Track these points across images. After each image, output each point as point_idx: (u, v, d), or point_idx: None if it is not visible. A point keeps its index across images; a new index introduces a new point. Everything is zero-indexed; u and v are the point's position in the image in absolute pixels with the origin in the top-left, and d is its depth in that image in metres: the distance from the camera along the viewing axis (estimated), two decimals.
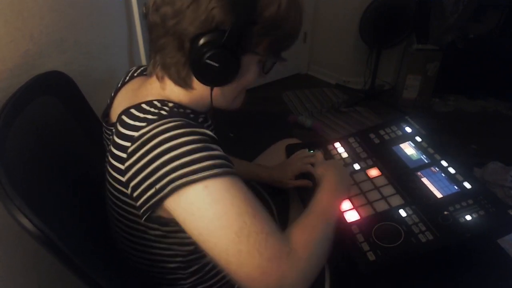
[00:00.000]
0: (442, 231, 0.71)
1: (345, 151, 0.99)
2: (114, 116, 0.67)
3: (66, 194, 0.64)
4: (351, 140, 1.02)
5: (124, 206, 0.59)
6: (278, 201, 1.02)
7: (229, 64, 0.55)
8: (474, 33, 2.64)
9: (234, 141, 2.16)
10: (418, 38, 2.64)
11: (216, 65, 0.54)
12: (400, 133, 0.99)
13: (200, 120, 0.66)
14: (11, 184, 0.47)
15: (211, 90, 0.59)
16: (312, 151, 1.00)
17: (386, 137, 0.99)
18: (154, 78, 0.64)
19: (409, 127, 1.00)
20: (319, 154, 0.92)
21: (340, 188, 0.75)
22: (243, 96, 0.68)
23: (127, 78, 0.73)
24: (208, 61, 0.53)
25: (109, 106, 0.71)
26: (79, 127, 0.78)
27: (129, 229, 0.63)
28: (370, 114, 2.62)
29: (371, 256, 0.69)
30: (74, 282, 0.53)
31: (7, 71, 0.65)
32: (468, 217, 0.72)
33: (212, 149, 0.52)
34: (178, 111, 0.60)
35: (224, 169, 0.51)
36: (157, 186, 0.50)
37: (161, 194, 0.50)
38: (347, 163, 0.94)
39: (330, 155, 0.98)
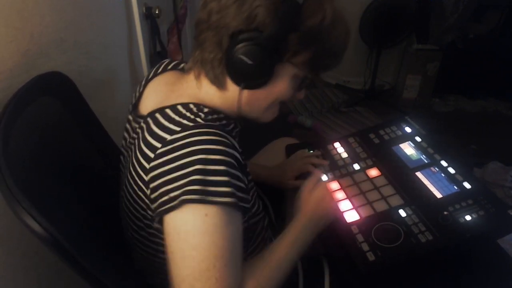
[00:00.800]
0: (442, 231, 0.71)
1: (345, 151, 0.99)
2: (144, 108, 0.66)
3: (67, 194, 0.64)
4: (351, 140, 1.02)
5: (140, 203, 0.59)
6: (276, 202, 1.02)
7: (262, 65, 0.55)
8: (474, 33, 2.64)
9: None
10: (418, 38, 2.64)
11: (249, 62, 0.54)
12: (400, 133, 0.99)
13: (231, 126, 0.66)
14: (17, 185, 0.47)
15: (241, 91, 0.59)
16: (312, 151, 1.00)
17: (386, 137, 0.99)
18: (191, 76, 0.64)
19: (409, 127, 1.00)
20: (317, 174, 0.81)
21: (316, 225, 0.70)
22: (275, 109, 0.67)
23: (160, 69, 0.72)
24: (241, 56, 0.54)
25: (139, 97, 0.70)
26: (79, 127, 0.78)
27: (140, 228, 0.63)
28: (370, 114, 2.62)
29: (370, 257, 0.69)
30: (74, 282, 0.53)
31: (7, 71, 0.65)
32: (468, 217, 0.72)
33: (234, 176, 0.53)
34: (213, 117, 0.60)
35: (233, 200, 0.52)
36: (172, 195, 0.51)
37: (172, 204, 0.51)
38: (347, 163, 0.94)
39: (330, 155, 0.98)
